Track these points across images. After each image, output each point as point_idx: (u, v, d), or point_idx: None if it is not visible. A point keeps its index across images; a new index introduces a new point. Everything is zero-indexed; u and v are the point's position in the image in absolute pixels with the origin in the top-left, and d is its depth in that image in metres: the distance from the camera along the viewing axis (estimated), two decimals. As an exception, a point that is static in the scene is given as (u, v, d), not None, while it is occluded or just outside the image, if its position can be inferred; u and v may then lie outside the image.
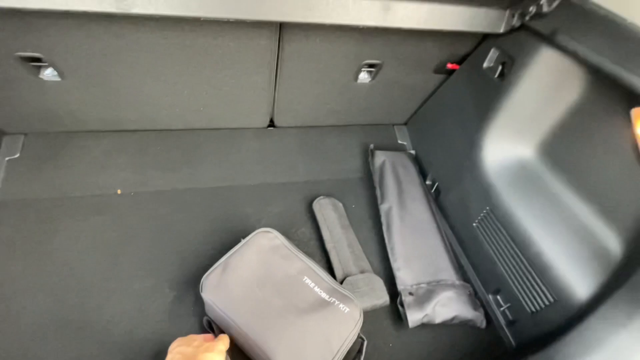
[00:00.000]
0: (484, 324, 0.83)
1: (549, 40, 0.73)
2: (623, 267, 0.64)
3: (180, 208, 0.93)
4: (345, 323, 0.68)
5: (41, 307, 0.73)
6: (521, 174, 0.85)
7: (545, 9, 0.72)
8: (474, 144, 0.91)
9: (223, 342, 0.58)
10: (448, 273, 0.88)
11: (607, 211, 0.70)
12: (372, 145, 1.14)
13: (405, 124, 1.29)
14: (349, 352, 0.68)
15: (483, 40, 0.93)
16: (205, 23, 0.75)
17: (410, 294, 0.82)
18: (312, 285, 0.72)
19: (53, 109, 0.92)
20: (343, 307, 0.69)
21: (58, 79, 0.83)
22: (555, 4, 0.71)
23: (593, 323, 0.60)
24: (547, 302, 0.72)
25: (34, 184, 0.90)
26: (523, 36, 0.80)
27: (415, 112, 1.22)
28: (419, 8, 0.74)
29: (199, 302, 0.77)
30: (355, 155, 1.18)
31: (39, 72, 0.82)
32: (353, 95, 1.09)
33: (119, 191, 0.94)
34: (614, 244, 0.67)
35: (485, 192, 0.88)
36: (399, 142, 1.25)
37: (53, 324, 0.71)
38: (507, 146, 0.87)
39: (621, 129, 0.67)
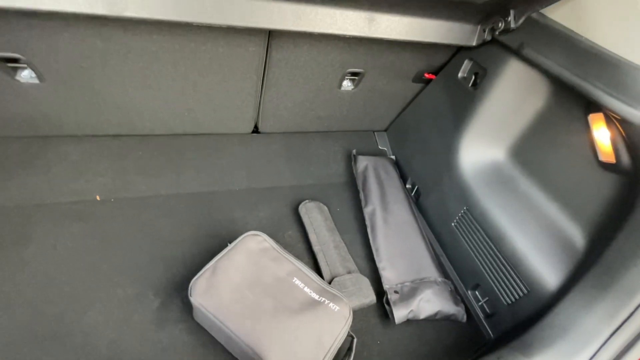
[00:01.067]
0: (464, 318, 0.87)
1: (517, 53, 0.80)
2: (586, 257, 0.70)
3: (164, 214, 0.92)
4: (336, 321, 0.69)
5: (16, 321, 0.68)
6: (495, 175, 0.91)
7: (512, 25, 0.79)
8: (451, 149, 0.97)
9: None
10: (430, 271, 0.92)
11: (570, 207, 0.77)
12: (354, 151, 1.17)
13: (386, 130, 1.34)
14: (339, 350, 0.70)
15: (457, 52, 1.00)
16: (196, 28, 0.75)
17: (396, 292, 0.85)
18: (302, 286, 0.73)
19: (29, 113, 0.88)
20: (333, 306, 0.71)
21: (36, 81, 0.81)
22: (521, 21, 0.78)
23: (563, 309, 0.65)
24: (521, 294, 0.77)
25: (8, 190, 0.85)
26: (494, 49, 0.88)
27: (395, 119, 1.28)
28: (401, 21, 0.80)
29: (187, 307, 0.76)
30: (338, 161, 1.21)
31: (15, 74, 0.79)
32: (336, 102, 1.12)
33: (98, 197, 0.91)
34: (578, 237, 0.74)
35: (462, 194, 0.93)
36: (380, 147, 1.30)
37: (30, 338, 0.67)
38: (481, 150, 0.94)
39: (580, 132, 0.75)
